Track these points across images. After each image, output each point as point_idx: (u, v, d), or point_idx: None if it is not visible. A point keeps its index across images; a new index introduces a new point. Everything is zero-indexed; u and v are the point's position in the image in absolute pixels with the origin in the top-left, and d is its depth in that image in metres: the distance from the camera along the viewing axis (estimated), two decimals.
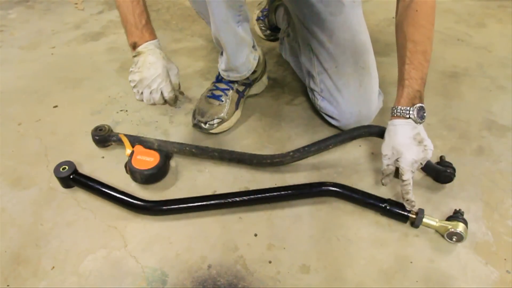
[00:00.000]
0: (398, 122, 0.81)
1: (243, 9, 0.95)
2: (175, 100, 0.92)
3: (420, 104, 0.81)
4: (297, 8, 1.05)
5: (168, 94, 0.88)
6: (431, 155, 0.81)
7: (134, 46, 0.87)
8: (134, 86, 0.88)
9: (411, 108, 0.80)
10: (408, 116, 0.80)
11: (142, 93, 0.88)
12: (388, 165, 0.83)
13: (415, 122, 0.80)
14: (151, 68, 0.85)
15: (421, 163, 0.81)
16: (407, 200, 0.82)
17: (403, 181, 0.80)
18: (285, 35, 1.29)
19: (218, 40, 0.99)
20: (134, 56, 0.87)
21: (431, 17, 0.82)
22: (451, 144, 1.05)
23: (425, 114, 0.81)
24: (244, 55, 1.04)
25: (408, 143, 0.80)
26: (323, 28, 1.01)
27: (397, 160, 0.81)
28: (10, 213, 0.89)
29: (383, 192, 0.90)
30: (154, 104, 0.89)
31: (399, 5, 0.85)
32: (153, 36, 0.88)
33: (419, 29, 0.81)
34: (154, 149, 0.96)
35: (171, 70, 0.90)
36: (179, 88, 0.93)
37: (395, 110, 0.82)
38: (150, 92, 0.87)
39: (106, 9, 1.77)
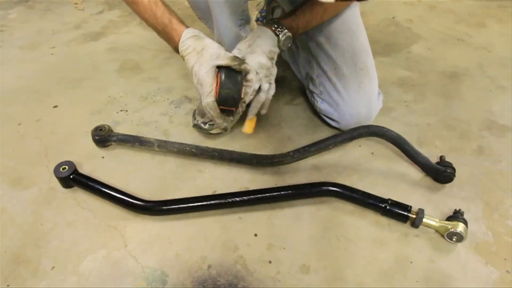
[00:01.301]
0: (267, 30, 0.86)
1: (245, 13, 0.95)
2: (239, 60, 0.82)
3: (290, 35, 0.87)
4: None
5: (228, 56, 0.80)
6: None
7: (177, 50, 0.83)
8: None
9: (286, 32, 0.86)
10: (277, 33, 0.86)
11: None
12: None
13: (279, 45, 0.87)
14: (194, 76, 0.81)
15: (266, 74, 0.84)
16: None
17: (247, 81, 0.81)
18: None
19: (222, 45, 1.00)
20: (184, 59, 0.83)
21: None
22: (451, 144, 1.05)
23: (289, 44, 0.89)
24: None
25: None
26: (321, 30, 1.01)
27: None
28: (10, 213, 0.89)
29: (383, 192, 0.90)
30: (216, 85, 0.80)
31: None
32: (180, 31, 0.82)
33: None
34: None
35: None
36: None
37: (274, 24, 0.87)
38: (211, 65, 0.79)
39: (106, 9, 1.77)
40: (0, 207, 0.90)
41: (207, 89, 0.80)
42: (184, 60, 0.83)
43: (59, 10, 1.77)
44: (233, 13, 0.90)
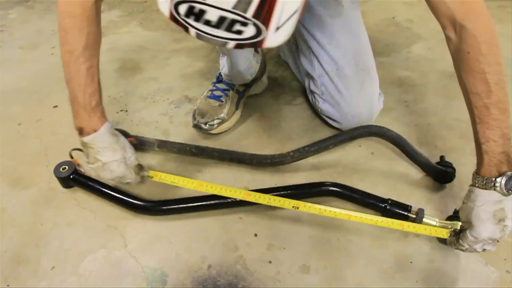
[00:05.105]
0: (479, 192, 0.68)
1: None
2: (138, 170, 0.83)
3: (510, 173, 0.66)
4: None
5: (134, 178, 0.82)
6: (508, 234, 0.69)
7: (80, 131, 0.77)
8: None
9: (498, 179, 0.66)
10: (493, 188, 0.66)
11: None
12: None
13: (502, 194, 0.66)
14: (106, 170, 0.78)
15: (493, 242, 0.69)
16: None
17: (462, 248, 0.72)
18: None
19: (223, 50, 1.00)
20: (83, 144, 0.78)
21: (492, 55, 0.67)
22: (451, 144, 1.05)
23: None
24: (247, 60, 1.05)
25: (485, 219, 0.67)
26: (323, 31, 1.01)
27: (467, 229, 0.71)
28: (10, 213, 0.89)
29: (383, 192, 0.90)
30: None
31: (449, 47, 0.73)
32: (102, 120, 0.77)
33: (480, 77, 0.66)
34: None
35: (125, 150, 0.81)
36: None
37: (476, 180, 0.69)
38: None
39: (106, 9, 1.77)
40: (0, 207, 0.90)
41: (132, 176, 0.81)
42: (86, 146, 0.77)
43: None
44: None
